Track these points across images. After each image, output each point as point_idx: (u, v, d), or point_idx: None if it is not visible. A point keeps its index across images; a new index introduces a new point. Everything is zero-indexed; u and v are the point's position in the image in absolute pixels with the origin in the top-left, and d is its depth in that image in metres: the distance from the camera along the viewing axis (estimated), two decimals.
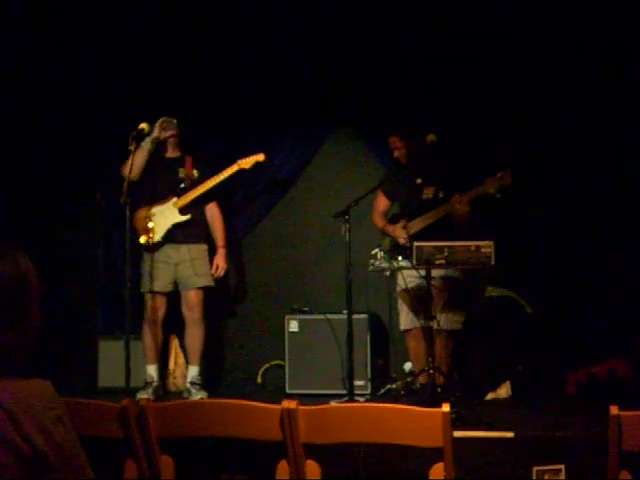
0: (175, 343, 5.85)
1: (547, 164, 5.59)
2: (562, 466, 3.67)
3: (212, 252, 5.59)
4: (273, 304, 6.09)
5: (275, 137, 6.12)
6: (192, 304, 5.45)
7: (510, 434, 3.93)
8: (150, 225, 5.33)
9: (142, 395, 5.14)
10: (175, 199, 5.42)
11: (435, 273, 4.95)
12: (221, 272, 5.54)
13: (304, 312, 5.75)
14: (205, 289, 5.49)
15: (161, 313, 5.44)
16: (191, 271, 5.43)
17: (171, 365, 5.85)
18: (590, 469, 3.50)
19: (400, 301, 5.37)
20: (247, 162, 5.49)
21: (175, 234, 5.40)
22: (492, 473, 3.77)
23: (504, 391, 5.20)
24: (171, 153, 5.56)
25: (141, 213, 5.37)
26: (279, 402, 2.89)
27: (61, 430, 1.69)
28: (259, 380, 6.00)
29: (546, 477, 3.67)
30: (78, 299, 6.15)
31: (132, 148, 5.12)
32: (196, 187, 5.45)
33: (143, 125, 5.13)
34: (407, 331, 5.38)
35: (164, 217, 5.36)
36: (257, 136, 6.06)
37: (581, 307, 5.48)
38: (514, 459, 3.81)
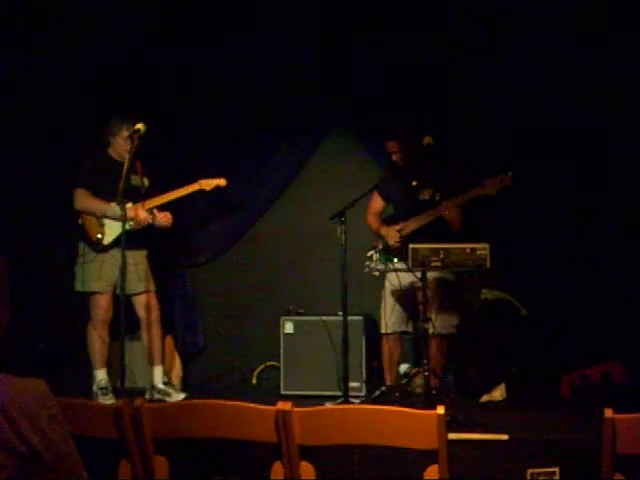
0: (170, 344, 5.83)
1: (544, 166, 5.59)
2: (556, 469, 3.68)
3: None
4: (268, 305, 6.09)
5: (271, 138, 6.12)
6: (150, 306, 5.41)
7: (505, 436, 3.94)
8: (103, 227, 5.25)
9: (109, 401, 5.10)
10: (130, 204, 5.19)
11: (428, 275, 4.96)
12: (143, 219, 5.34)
13: (299, 314, 5.75)
14: (156, 292, 5.48)
15: (111, 313, 5.32)
16: (135, 276, 5.36)
17: (166, 367, 5.82)
18: (584, 472, 3.51)
19: (389, 302, 5.34)
20: (208, 184, 5.41)
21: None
22: (487, 475, 3.77)
23: (499, 393, 5.21)
24: (122, 157, 5.25)
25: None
26: (274, 403, 2.89)
27: (55, 429, 1.69)
28: (254, 381, 6.00)
29: (540, 479, 3.68)
30: (73, 300, 6.13)
31: (127, 148, 5.11)
32: (152, 197, 5.35)
33: (139, 125, 5.10)
34: (387, 335, 5.37)
35: (116, 222, 5.15)
36: (254, 137, 6.08)
37: (576, 310, 5.48)
38: (509, 461, 3.82)
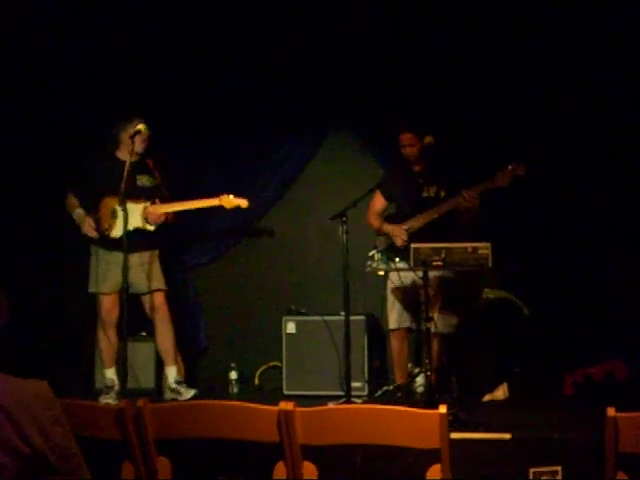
0: None
1: (546, 165, 5.59)
2: (559, 467, 3.68)
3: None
4: (270, 305, 6.09)
5: (273, 138, 6.13)
6: (158, 305, 5.42)
7: (507, 435, 3.94)
8: (115, 220, 5.23)
9: (106, 400, 5.13)
10: (148, 204, 5.29)
11: (430, 274, 4.97)
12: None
13: (301, 314, 5.75)
14: (166, 291, 5.48)
15: (115, 314, 5.32)
16: (144, 275, 5.37)
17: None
18: (587, 470, 3.50)
19: (391, 299, 5.36)
20: (229, 202, 5.37)
21: (130, 239, 5.05)
22: (489, 474, 3.77)
23: (501, 392, 5.21)
24: (132, 155, 5.22)
25: (110, 202, 5.26)
26: (276, 403, 2.89)
27: (59, 430, 1.69)
28: (256, 381, 6.00)
29: (543, 478, 3.68)
30: (74, 300, 6.13)
31: (129, 149, 5.11)
32: (170, 201, 5.37)
33: (140, 126, 5.12)
34: (392, 331, 5.40)
35: (131, 217, 5.09)
36: (256, 137, 6.08)
37: (578, 309, 5.48)
38: (511, 460, 3.82)
